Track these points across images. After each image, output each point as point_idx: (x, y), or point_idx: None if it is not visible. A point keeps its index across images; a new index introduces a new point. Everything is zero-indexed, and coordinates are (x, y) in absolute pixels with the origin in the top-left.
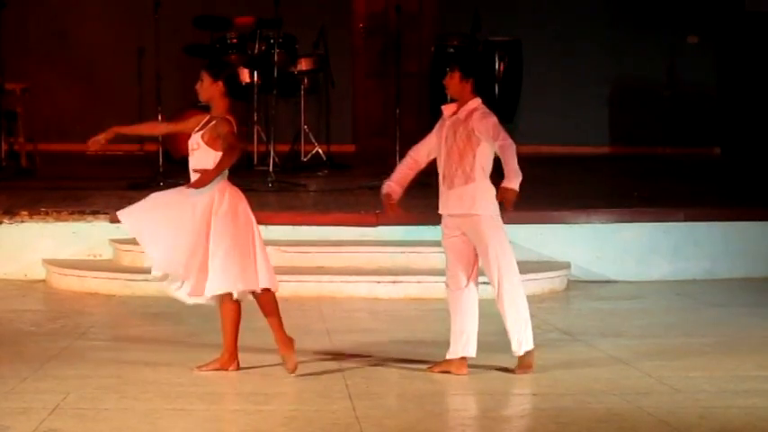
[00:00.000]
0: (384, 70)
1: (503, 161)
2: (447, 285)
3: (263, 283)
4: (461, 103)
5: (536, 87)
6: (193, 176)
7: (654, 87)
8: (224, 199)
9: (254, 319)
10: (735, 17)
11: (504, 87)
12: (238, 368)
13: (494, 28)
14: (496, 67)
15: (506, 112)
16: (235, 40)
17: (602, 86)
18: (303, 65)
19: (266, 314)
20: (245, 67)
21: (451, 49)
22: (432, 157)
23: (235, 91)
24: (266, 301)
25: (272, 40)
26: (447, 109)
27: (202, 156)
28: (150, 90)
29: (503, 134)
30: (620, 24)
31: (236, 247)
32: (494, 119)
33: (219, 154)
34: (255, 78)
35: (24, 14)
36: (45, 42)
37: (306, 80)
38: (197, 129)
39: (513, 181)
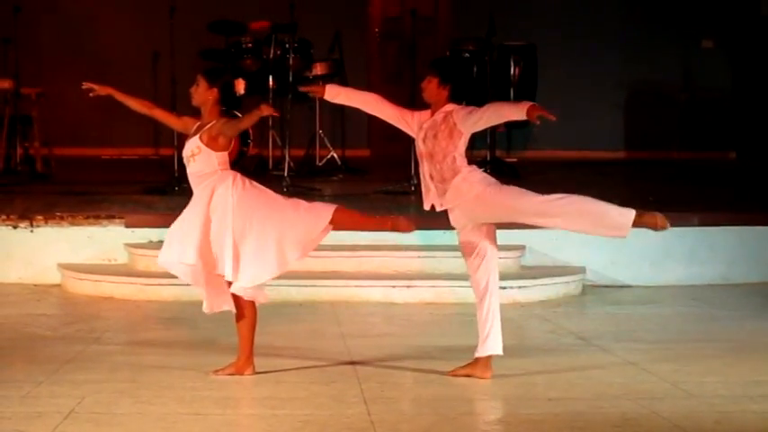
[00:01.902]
0: (399, 75)
1: (501, 108)
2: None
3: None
4: (436, 107)
5: (551, 92)
6: (193, 182)
7: (669, 92)
8: (236, 182)
9: (269, 323)
10: (750, 21)
11: (518, 92)
12: (254, 372)
13: (509, 32)
14: (511, 71)
15: None
16: (250, 45)
17: (618, 91)
18: (318, 69)
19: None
20: (261, 72)
21: (467, 54)
22: (385, 118)
23: (228, 100)
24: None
25: (287, 45)
26: (422, 114)
27: (204, 158)
28: (165, 94)
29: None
30: (635, 29)
31: (272, 228)
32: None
33: (220, 154)
34: (271, 83)
35: (39, 19)
36: (60, 47)
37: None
38: (191, 135)
39: (525, 102)
